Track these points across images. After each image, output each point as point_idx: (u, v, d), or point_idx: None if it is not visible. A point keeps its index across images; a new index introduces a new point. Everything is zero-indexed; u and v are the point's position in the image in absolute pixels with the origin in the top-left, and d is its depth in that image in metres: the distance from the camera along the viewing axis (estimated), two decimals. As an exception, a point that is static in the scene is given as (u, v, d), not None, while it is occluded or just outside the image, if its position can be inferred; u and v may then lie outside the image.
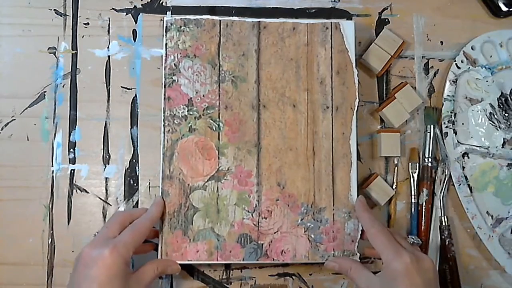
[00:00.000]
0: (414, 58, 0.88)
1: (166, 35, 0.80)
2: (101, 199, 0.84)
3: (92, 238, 0.81)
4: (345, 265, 0.76)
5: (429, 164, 0.84)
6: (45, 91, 0.85)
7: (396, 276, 0.68)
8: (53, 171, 0.84)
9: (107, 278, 0.66)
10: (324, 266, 0.78)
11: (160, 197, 0.78)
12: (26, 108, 0.85)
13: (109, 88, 0.86)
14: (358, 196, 0.80)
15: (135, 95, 0.86)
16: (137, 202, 0.84)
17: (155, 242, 0.79)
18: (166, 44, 0.80)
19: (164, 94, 0.79)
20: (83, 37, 0.87)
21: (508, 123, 0.86)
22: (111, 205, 0.84)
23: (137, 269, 0.72)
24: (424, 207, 0.84)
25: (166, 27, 0.80)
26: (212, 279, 0.83)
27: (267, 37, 0.81)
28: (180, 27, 0.80)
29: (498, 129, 0.86)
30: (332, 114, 0.80)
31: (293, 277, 0.84)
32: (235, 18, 0.81)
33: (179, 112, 0.79)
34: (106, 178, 0.84)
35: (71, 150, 0.85)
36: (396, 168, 0.86)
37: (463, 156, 0.86)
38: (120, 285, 0.67)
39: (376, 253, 0.73)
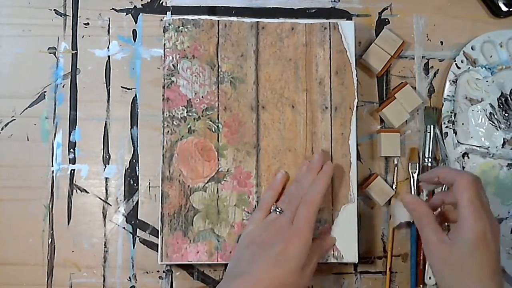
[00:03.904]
0: (414, 58, 0.88)
1: (164, 36, 0.80)
2: (101, 199, 0.84)
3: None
4: (420, 211, 0.71)
5: (429, 164, 0.84)
6: (45, 91, 0.86)
7: (471, 242, 0.65)
8: (53, 171, 0.84)
9: None
10: (401, 199, 0.75)
11: (328, 165, 0.77)
12: (26, 108, 0.85)
13: (109, 88, 0.86)
14: (358, 196, 0.80)
15: (135, 95, 0.86)
16: (137, 202, 0.84)
17: None
18: (164, 44, 0.80)
19: (163, 95, 0.79)
20: (83, 37, 0.87)
21: (508, 123, 0.86)
22: (111, 205, 0.84)
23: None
24: (424, 207, 0.84)
25: (164, 27, 0.80)
26: (212, 279, 0.83)
27: (265, 37, 0.81)
28: (178, 27, 0.80)
29: (498, 129, 0.86)
30: (331, 115, 0.80)
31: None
32: (234, 19, 0.82)
33: (178, 113, 0.79)
34: (106, 178, 0.85)
35: (71, 150, 0.85)
36: (396, 168, 0.86)
37: (463, 156, 0.85)
38: None
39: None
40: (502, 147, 0.85)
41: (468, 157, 0.86)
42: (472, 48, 0.87)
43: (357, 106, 0.81)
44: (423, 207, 0.71)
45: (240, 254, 0.73)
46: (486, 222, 0.65)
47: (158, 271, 0.82)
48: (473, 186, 0.67)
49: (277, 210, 0.75)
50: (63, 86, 0.86)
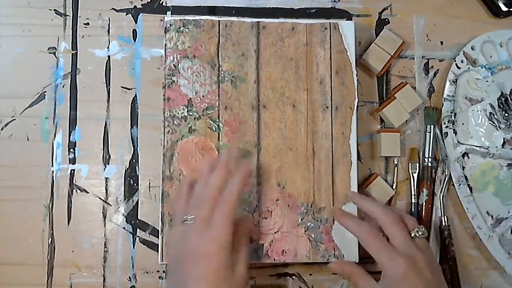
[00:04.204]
0: (414, 58, 0.88)
1: (165, 36, 0.80)
2: (101, 199, 0.84)
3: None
4: (348, 270, 0.76)
5: (429, 164, 0.84)
6: (45, 91, 0.85)
7: (396, 282, 0.68)
8: (53, 171, 0.84)
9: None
10: (327, 267, 0.78)
11: (246, 166, 0.74)
12: (26, 108, 0.85)
13: (109, 88, 0.86)
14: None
15: (135, 95, 0.86)
16: (137, 202, 0.84)
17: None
18: (165, 45, 0.80)
19: (164, 95, 0.79)
20: (83, 37, 0.87)
21: (508, 123, 0.86)
22: (111, 205, 0.84)
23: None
24: (424, 207, 0.84)
25: (165, 28, 0.80)
26: (212, 279, 0.83)
27: (266, 37, 0.81)
28: (179, 28, 0.80)
29: (498, 129, 0.86)
30: (331, 114, 0.80)
31: (293, 277, 0.83)
32: (234, 18, 0.82)
33: (178, 113, 0.79)
34: (106, 178, 0.84)
35: (71, 150, 0.85)
36: (396, 168, 0.86)
37: (463, 156, 0.85)
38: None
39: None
40: (502, 147, 0.85)
41: (468, 157, 0.86)
42: (472, 48, 0.87)
43: (357, 106, 0.81)
44: (348, 266, 0.76)
45: (171, 283, 0.71)
46: (402, 262, 0.69)
47: (158, 271, 0.82)
48: (373, 236, 0.72)
49: (189, 219, 0.69)
50: (63, 86, 0.86)
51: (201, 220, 0.68)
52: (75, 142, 0.85)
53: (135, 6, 0.88)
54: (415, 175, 0.85)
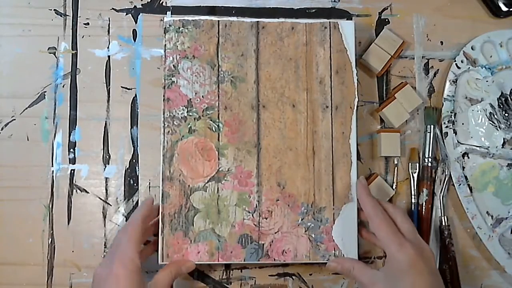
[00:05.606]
0: (414, 58, 0.88)
1: (164, 37, 0.80)
2: (101, 199, 0.84)
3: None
4: (347, 265, 0.76)
5: (429, 164, 0.84)
6: (45, 91, 0.85)
7: (402, 267, 0.69)
8: (53, 171, 0.84)
9: None
10: (326, 267, 0.78)
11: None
12: (26, 108, 0.85)
13: (109, 88, 0.86)
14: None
15: (135, 95, 0.86)
16: (137, 202, 0.84)
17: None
18: (164, 45, 0.80)
19: (164, 96, 0.79)
20: (83, 37, 0.87)
21: (508, 123, 0.86)
22: (111, 205, 0.84)
23: (152, 278, 0.73)
24: (424, 207, 0.84)
25: (164, 28, 0.80)
26: (212, 279, 0.83)
27: (265, 37, 0.81)
28: (179, 28, 0.80)
29: (498, 129, 0.86)
30: (331, 114, 0.80)
31: (293, 277, 0.84)
32: (234, 18, 0.81)
33: (178, 113, 0.79)
34: (106, 178, 0.84)
35: (71, 150, 0.85)
36: (396, 168, 0.86)
37: (463, 156, 0.85)
38: None
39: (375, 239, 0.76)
40: (502, 147, 0.85)
41: (468, 157, 0.86)
42: (472, 48, 0.87)
43: (357, 106, 0.81)
44: (347, 261, 0.77)
45: None
46: (411, 249, 0.70)
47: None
48: (385, 222, 0.73)
49: None
50: (63, 86, 0.86)
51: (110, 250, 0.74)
52: (75, 142, 0.85)
53: (135, 6, 0.88)
54: (415, 175, 0.85)
